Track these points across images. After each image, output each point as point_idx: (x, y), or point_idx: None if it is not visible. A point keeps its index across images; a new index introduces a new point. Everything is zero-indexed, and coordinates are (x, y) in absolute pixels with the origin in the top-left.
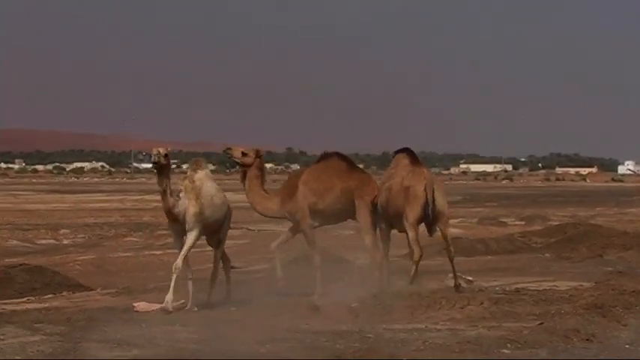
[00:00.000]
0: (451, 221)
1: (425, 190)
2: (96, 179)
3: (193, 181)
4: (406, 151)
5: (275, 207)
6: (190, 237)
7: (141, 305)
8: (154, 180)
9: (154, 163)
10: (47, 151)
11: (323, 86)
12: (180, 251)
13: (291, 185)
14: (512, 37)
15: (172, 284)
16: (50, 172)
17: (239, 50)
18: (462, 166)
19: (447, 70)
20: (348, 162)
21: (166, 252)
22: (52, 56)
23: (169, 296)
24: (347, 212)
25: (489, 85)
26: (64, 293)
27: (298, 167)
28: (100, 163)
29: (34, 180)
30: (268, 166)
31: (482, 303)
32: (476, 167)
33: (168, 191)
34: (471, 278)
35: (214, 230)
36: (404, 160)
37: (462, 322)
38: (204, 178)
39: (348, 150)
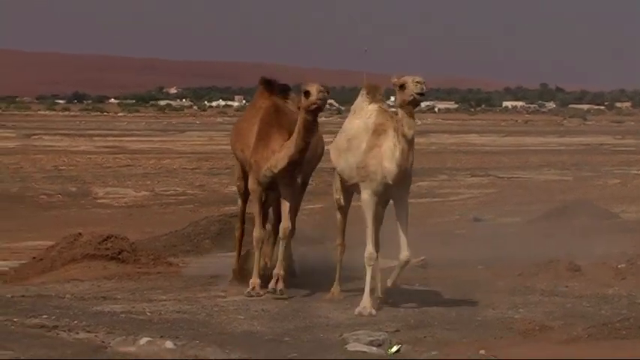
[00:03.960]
0: None
1: None
2: (323, 118)
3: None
4: None
5: None
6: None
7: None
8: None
9: (420, 94)
10: None
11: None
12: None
13: None
14: None
15: (368, 279)
16: None
17: None
18: None
19: None
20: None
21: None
22: None
23: (366, 299)
24: None
25: None
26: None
27: (554, 106)
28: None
29: None
30: (519, 104)
31: None
32: None
33: None
34: None
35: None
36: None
37: None
38: None
39: (598, 87)
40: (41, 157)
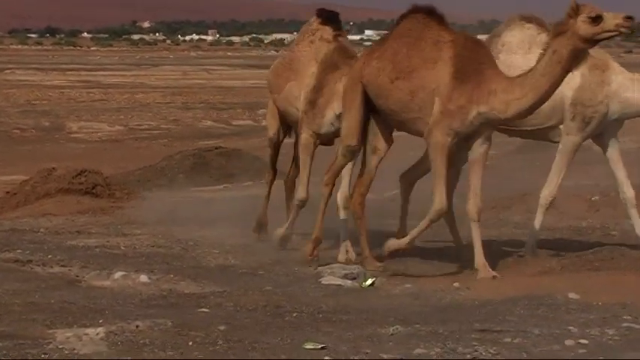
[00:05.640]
0: None
1: None
2: None
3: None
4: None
5: None
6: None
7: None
8: None
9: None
10: (243, 20)
11: None
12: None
13: None
14: None
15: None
16: (247, 44)
17: None
18: None
19: None
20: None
21: None
22: None
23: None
24: None
25: None
26: (264, 181)
27: None
28: None
29: (229, 53)
30: None
31: None
32: None
33: None
34: None
35: None
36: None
37: None
38: None
39: None
40: (14, 92)
